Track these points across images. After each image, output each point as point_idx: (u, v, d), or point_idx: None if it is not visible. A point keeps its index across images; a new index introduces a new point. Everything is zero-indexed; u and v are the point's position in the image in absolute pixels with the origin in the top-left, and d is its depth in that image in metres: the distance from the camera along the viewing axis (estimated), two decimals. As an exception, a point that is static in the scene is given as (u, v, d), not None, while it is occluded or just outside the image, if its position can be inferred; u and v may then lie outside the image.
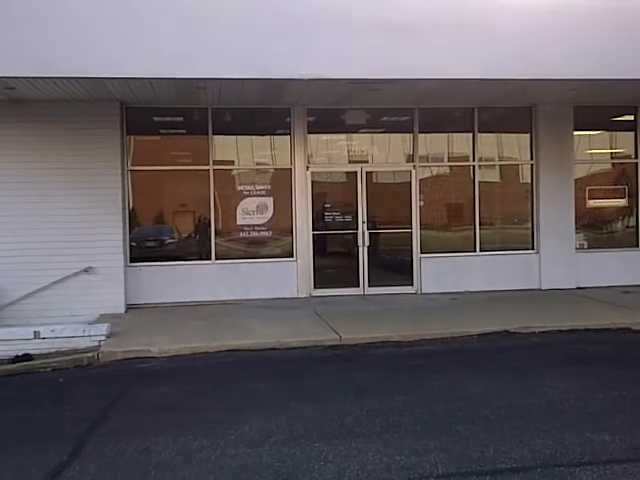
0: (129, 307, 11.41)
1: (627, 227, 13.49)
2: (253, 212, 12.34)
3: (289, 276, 12.20)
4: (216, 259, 12.12)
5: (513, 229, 13.29)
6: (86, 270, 11.10)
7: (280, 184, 12.46)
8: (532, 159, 12.93)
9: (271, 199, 12.41)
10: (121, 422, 6.03)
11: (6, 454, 5.26)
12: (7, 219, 10.90)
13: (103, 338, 8.94)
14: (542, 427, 5.43)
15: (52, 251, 10.89)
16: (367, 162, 12.75)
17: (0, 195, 10.90)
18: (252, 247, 12.43)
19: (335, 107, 12.30)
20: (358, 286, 12.47)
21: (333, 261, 12.87)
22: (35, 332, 8.86)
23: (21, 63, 8.56)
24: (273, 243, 12.56)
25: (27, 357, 8.51)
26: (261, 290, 11.94)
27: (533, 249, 12.89)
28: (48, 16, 8.47)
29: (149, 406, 6.48)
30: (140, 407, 6.48)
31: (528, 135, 12.95)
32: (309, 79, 9.15)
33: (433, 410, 6.00)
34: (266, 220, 12.38)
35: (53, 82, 9.45)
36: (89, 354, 8.49)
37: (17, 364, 8.32)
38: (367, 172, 12.62)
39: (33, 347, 8.70)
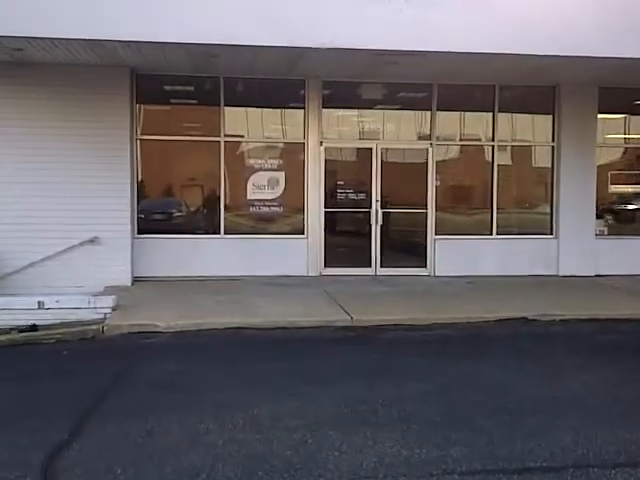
0: (135, 280, 11.12)
1: (650, 213, 13.11)
2: (264, 187, 12.00)
3: (299, 253, 11.86)
4: (225, 233, 11.79)
5: (531, 213, 12.91)
6: (92, 240, 10.79)
7: (292, 159, 12.10)
8: (553, 141, 12.51)
9: (282, 174, 12.05)
10: (125, 400, 5.77)
11: (4, 431, 4.99)
12: (11, 185, 10.54)
13: (109, 311, 8.68)
14: (570, 423, 5.11)
15: (58, 219, 10.55)
16: (383, 139, 12.36)
17: (4, 161, 10.55)
18: (262, 223, 12.11)
19: (352, 80, 11.87)
20: (370, 266, 12.14)
21: (345, 240, 12.55)
22: (39, 302, 8.60)
23: (30, 23, 8.27)
24: (283, 219, 12.23)
25: (33, 328, 8.24)
26: (270, 267, 11.59)
27: (552, 234, 12.49)
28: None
29: (154, 384, 6.21)
30: (145, 385, 6.22)
31: (550, 116, 12.51)
32: (327, 48, 8.84)
33: (452, 400, 5.71)
34: (277, 195, 12.04)
35: (61, 44, 9.07)
36: (94, 327, 8.25)
37: (21, 334, 8.06)
38: (382, 149, 12.23)
39: (37, 317, 8.42)
